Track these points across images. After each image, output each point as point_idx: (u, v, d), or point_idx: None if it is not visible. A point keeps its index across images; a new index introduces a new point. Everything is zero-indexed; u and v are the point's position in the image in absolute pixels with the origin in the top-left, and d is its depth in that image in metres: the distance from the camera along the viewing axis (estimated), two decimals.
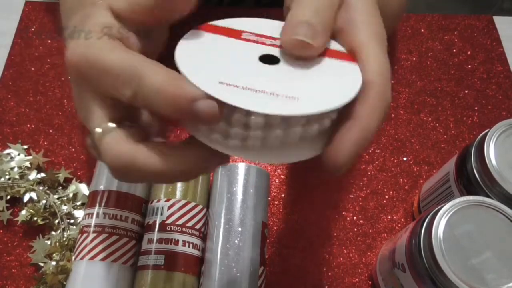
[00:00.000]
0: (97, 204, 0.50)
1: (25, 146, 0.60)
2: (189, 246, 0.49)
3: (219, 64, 0.29)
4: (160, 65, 0.28)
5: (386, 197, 0.60)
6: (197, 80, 0.27)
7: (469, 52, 0.71)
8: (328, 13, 0.31)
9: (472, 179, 0.46)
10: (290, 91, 0.27)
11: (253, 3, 0.80)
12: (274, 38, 0.31)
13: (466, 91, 0.68)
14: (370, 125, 0.29)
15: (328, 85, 0.29)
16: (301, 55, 0.30)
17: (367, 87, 0.29)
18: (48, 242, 0.54)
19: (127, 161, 0.28)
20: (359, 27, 0.31)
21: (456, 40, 0.73)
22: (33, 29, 0.69)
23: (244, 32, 0.32)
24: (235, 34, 0.31)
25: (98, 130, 0.29)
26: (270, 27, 0.33)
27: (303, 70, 0.30)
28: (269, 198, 0.58)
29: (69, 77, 0.31)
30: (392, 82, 0.68)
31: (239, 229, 0.49)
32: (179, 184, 0.51)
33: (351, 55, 0.31)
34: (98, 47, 0.29)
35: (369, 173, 0.61)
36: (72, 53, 0.29)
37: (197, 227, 0.50)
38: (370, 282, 0.54)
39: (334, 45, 0.32)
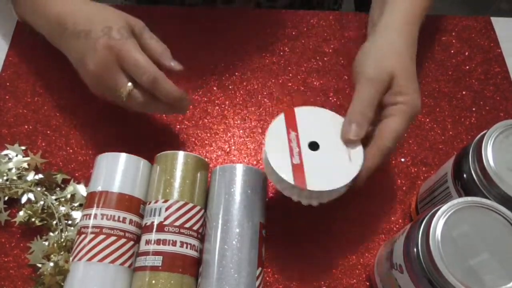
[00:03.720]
0: (95, 205, 0.50)
1: (23, 147, 0.60)
2: (187, 247, 0.49)
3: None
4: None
5: (384, 198, 0.60)
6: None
7: (466, 53, 0.71)
8: (370, 111, 0.50)
9: (469, 180, 0.46)
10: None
11: (243, 3, 0.81)
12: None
13: (464, 92, 0.68)
14: (369, 168, 0.50)
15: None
16: (351, 143, 0.50)
17: (379, 142, 0.50)
18: (46, 243, 0.54)
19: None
20: (396, 106, 0.51)
21: (453, 41, 0.73)
22: (30, 30, 0.69)
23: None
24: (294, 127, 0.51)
25: (130, 84, 0.52)
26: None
27: (333, 157, 0.50)
28: (267, 199, 0.58)
29: (101, 58, 0.51)
30: None
31: (237, 230, 0.49)
32: (176, 185, 0.51)
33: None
34: (130, 45, 0.52)
35: None
36: (113, 43, 0.51)
37: (195, 228, 0.50)
38: (368, 283, 0.54)
39: None
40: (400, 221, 0.58)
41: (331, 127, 0.51)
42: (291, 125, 0.51)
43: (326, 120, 0.52)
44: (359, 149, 0.50)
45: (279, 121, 0.51)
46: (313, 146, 0.50)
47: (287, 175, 0.47)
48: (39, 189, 0.57)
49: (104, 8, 0.55)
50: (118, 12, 0.55)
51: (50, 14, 0.56)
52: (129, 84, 0.52)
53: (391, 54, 0.53)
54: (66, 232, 0.54)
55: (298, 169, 0.48)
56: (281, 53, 0.71)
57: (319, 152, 0.50)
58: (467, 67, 0.70)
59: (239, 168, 0.52)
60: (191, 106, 0.65)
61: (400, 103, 0.50)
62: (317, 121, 0.52)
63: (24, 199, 0.56)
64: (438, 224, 0.39)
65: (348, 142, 0.50)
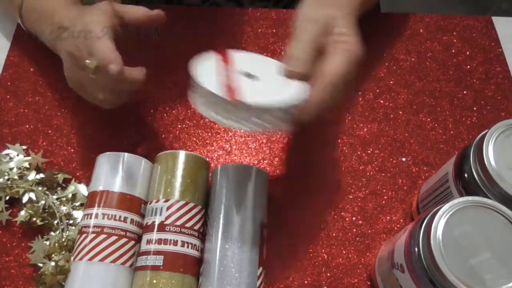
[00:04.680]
0: (96, 205, 0.50)
1: (24, 147, 0.60)
2: (188, 247, 0.49)
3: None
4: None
5: (385, 197, 0.60)
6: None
7: (468, 53, 0.71)
8: (310, 48, 0.49)
9: (471, 179, 0.46)
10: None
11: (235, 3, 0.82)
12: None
13: (465, 92, 0.68)
14: (312, 102, 0.47)
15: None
16: (292, 77, 0.49)
17: (322, 79, 0.47)
18: (47, 242, 0.54)
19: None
20: (335, 44, 0.49)
21: (455, 40, 0.73)
22: (29, 34, 0.69)
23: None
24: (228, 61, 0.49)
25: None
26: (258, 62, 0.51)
27: (271, 85, 0.48)
28: (268, 199, 0.58)
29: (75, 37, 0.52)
30: (391, 82, 0.68)
31: (238, 230, 0.49)
32: (178, 185, 0.51)
33: None
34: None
35: (368, 173, 0.61)
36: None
37: (196, 227, 0.50)
38: (369, 283, 0.54)
39: None
40: (401, 220, 0.58)
41: (268, 65, 0.50)
42: (225, 59, 0.49)
43: (262, 60, 0.51)
44: (300, 83, 0.48)
45: (210, 54, 0.49)
46: (250, 76, 0.47)
47: (221, 92, 0.43)
48: (40, 188, 0.57)
49: (96, 12, 0.55)
50: (103, 16, 0.54)
51: (54, 20, 0.57)
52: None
53: (333, 3, 0.53)
54: (67, 232, 0.54)
55: (231, 89, 0.44)
56: (282, 53, 0.71)
57: (257, 81, 0.47)
58: (468, 67, 0.70)
59: (241, 168, 0.52)
60: (192, 106, 0.65)
61: (341, 42, 0.50)
62: (253, 60, 0.50)
63: (25, 199, 0.56)
64: (439, 224, 0.39)
65: (288, 76, 0.48)
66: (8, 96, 0.65)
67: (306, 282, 0.54)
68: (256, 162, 0.62)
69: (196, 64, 0.47)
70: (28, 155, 0.59)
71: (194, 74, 0.45)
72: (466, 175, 0.47)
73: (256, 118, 0.44)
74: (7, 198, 0.56)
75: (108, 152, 0.54)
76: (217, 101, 0.43)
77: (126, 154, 0.53)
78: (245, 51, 0.51)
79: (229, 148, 0.62)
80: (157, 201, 0.51)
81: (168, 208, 0.50)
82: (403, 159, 0.62)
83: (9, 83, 0.66)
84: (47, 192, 0.56)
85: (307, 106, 0.47)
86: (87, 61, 0.50)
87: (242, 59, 0.50)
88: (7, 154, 0.59)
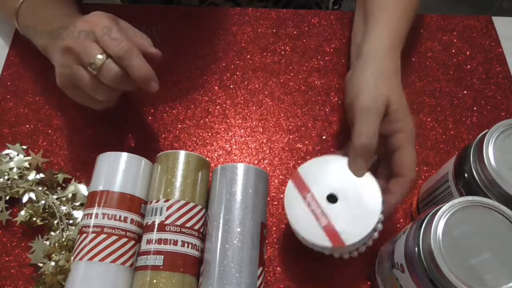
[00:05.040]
0: (96, 205, 0.50)
1: (24, 147, 0.60)
2: (188, 247, 0.49)
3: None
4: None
5: None
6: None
7: (468, 53, 0.71)
8: (374, 141, 0.49)
9: (471, 179, 0.46)
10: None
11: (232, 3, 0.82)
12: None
13: (465, 92, 0.68)
14: (398, 201, 0.51)
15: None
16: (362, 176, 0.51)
17: (401, 176, 0.50)
18: (47, 242, 0.54)
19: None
20: (398, 135, 0.51)
21: (455, 40, 0.73)
22: None
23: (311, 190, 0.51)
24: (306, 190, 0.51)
25: (103, 56, 0.50)
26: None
27: (353, 201, 0.50)
28: (268, 199, 0.58)
29: (77, 30, 0.52)
30: None
31: (238, 230, 0.49)
32: (178, 185, 0.51)
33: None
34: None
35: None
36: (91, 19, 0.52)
37: (196, 227, 0.50)
38: (369, 283, 0.54)
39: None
40: (401, 220, 0.58)
41: (337, 171, 0.51)
42: (302, 188, 0.51)
43: (329, 167, 0.52)
44: (372, 180, 0.50)
45: (290, 190, 0.51)
46: (331, 198, 0.50)
47: (324, 241, 0.48)
48: (40, 188, 0.57)
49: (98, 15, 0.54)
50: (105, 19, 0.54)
51: (53, 24, 0.57)
52: (102, 55, 0.50)
53: (383, 81, 0.53)
54: (67, 232, 0.54)
55: (329, 231, 0.48)
56: (282, 53, 0.71)
57: (339, 202, 0.50)
58: (468, 67, 0.70)
59: (240, 168, 0.52)
60: (192, 106, 0.65)
61: (401, 130, 0.51)
62: (322, 172, 0.52)
63: (25, 199, 0.56)
64: (439, 224, 0.39)
65: (359, 176, 0.51)
66: (8, 96, 0.65)
67: (305, 281, 0.54)
68: (256, 161, 0.62)
69: (287, 208, 0.50)
70: (28, 155, 0.59)
71: (293, 224, 0.50)
72: (466, 175, 0.47)
73: (357, 249, 0.50)
74: (7, 198, 0.56)
75: (108, 152, 0.54)
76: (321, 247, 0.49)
77: (126, 154, 0.53)
78: (310, 160, 0.53)
79: (229, 148, 0.62)
80: (157, 201, 0.51)
81: (168, 208, 0.50)
82: None
83: (9, 83, 0.66)
84: (47, 192, 0.56)
85: (391, 207, 0.51)
86: (98, 56, 0.50)
87: (315, 177, 0.52)
88: (7, 154, 0.59)
